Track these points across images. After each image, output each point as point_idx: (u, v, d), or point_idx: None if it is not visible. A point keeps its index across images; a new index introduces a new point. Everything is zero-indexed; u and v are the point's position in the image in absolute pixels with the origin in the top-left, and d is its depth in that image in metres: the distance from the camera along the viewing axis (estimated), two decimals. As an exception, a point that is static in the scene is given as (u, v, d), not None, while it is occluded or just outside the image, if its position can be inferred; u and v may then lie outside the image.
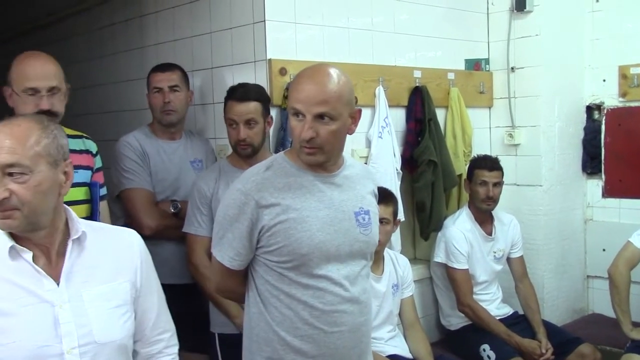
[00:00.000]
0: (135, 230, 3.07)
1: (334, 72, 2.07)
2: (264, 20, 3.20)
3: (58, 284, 1.73)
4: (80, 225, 1.81)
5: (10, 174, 1.67)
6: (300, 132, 2.03)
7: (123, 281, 1.85)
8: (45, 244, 1.75)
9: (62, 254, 1.77)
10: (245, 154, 2.91)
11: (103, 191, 2.80)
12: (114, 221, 3.19)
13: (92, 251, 1.81)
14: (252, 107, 2.87)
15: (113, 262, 1.85)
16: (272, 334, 2.11)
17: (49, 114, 2.46)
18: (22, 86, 2.46)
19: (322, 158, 2.09)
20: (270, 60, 3.19)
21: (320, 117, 2.02)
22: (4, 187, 1.66)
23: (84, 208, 2.60)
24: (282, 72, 3.21)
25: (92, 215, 2.64)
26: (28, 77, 2.46)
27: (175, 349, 2.02)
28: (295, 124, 2.04)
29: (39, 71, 2.48)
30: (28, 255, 1.71)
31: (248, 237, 2.08)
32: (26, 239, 1.73)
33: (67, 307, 1.72)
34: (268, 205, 2.05)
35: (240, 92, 2.91)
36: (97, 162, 2.77)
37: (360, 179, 2.24)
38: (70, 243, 1.78)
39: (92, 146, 2.77)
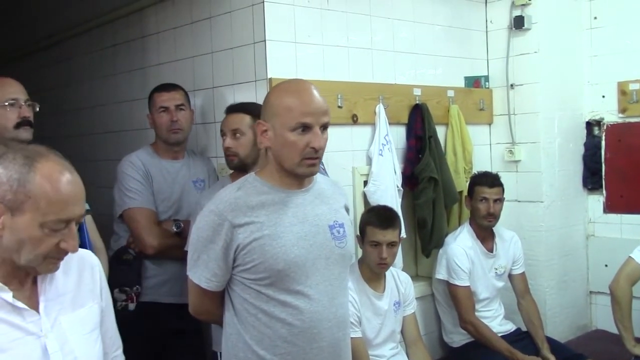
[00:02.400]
0: (139, 249, 3.12)
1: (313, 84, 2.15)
2: (265, 40, 3.22)
3: (38, 314, 1.69)
4: None
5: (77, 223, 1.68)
6: (305, 145, 2.04)
7: (93, 304, 1.83)
8: (27, 274, 1.70)
9: (34, 281, 1.72)
10: None
11: (86, 206, 2.81)
12: (116, 240, 3.22)
13: (61, 277, 1.77)
14: None
15: (81, 286, 1.82)
16: (251, 354, 2.11)
17: (29, 124, 2.60)
18: (2, 99, 2.59)
19: (318, 168, 2.14)
20: (271, 79, 3.21)
21: (323, 127, 2.08)
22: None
23: None
24: (283, 91, 3.22)
25: (79, 226, 2.67)
26: (9, 90, 2.62)
27: None
28: (297, 138, 2.05)
29: (16, 86, 2.66)
30: (7, 295, 1.64)
31: (223, 258, 2.09)
32: (10, 268, 1.67)
33: (51, 337, 1.68)
34: (242, 224, 2.06)
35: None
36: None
37: (332, 194, 2.27)
38: None
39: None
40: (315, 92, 2.09)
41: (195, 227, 2.17)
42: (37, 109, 2.68)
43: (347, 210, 2.34)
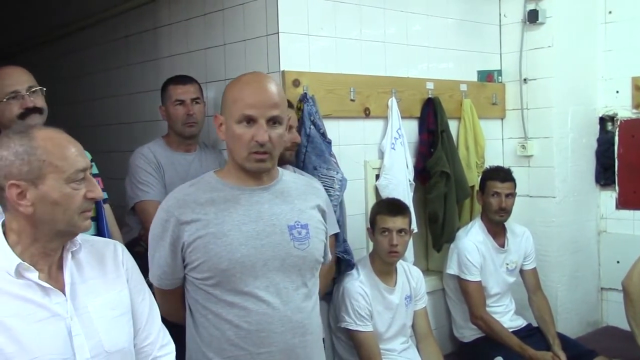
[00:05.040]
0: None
1: (271, 78, 2.09)
2: (278, 32, 3.21)
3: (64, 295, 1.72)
4: (77, 237, 1.80)
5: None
6: (250, 139, 1.99)
7: (122, 289, 1.85)
8: (55, 253, 1.74)
9: (60, 266, 1.76)
10: None
11: (104, 195, 2.82)
12: (127, 232, 3.23)
13: (85, 263, 1.81)
14: None
15: (107, 273, 1.84)
16: (201, 356, 2.07)
17: (35, 110, 2.56)
18: (2, 93, 2.55)
19: (270, 164, 2.06)
20: (283, 72, 3.20)
21: (272, 121, 2.01)
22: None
23: None
24: (296, 83, 3.22)
25: (98, 215, 2.68)
26: (7, 83, 2.56)
27: (171, 347, 1.97)
28: (243, 131, 2.00)
29: (15, 76, 2.60)
30: (33, 275, 1.67)
31: (171, 255, 2.06)
32: (40, 251, 1.71)
33: (76, 320, 1.71)
34: (189, 221, 2.02)
35: None
36: (93, 169, 2.83)
37: (301, 194, 2.17)
38: (69, 255, 1.77)
39: (85, 154, 2.82)
40: (267, 85, 2.04)
41: (151, 224, 2.16)
42: (44, 93, 2.63)
43: (322, 212, 2.23)
